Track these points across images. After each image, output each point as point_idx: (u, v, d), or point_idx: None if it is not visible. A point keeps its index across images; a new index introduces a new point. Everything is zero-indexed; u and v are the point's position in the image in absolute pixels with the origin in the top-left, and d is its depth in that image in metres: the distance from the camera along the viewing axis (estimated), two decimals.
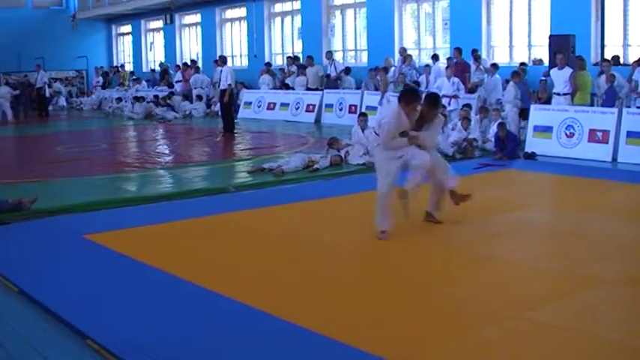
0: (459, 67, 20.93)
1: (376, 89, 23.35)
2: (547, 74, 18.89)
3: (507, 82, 20.03)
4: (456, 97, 19.45)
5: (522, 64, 21.04)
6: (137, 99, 30.75)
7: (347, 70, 26.68)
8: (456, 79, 19.80)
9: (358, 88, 25.47)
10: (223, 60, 23.31)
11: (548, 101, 18.11)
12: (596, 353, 5.50)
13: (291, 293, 6.94)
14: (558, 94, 17.45)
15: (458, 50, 21.73)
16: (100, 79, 39.13)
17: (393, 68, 23.81)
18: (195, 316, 6.34)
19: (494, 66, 21.32)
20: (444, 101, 18.98)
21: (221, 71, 22.38)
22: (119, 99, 33.05)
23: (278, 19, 33.27)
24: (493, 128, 16.62)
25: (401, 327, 6.04)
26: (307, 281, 7.34)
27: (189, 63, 33.41)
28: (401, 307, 6.52)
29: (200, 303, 6.69)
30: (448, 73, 19.94)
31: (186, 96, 30.97)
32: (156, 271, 7.67)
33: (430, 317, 6.32)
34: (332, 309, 6.49)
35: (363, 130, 16.09)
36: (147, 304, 6.67)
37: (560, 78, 17.42)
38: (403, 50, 24.82)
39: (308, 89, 27.02)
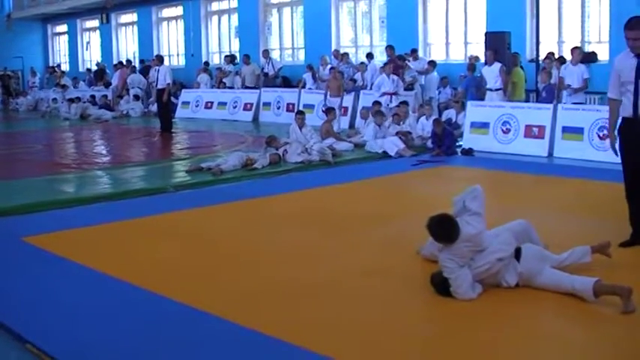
0: (393, 65, 21.09)
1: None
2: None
3: (443, 79, 20.31)
4: (396, 94, 19.55)
5: (473, 57, 21.16)
6: (72, 100, 30.42)
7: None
8: (396, 77, 19.90)
9: (295, 86, 25.55)
10: (160, 59, 23.16)
11: (483, 98, 18.35)
12: None
13: (233, 293, 6.94)
14: (491, 90, 17.74)
15: (390, 48, 21.92)
16: (37, 79, 38.71)
17: (328, 66, 23.89)
18: (135, 318, 6.32)
19: (432, 64, 21.53)
20: (385, 99, 19.19)
21: (158, 70, 22.21)
22: (55, 99, 32.67)
23: (215, 18, 33.23)
24: (423, 123, 16.93)
25: (346, 325, 6.07)
26: (248, 280, 7.33)
27: (124, 62, 33.22)
28: (344, 306, 6.55)
29: (140, 304, 6.67)
30: (387, 70, 19.99)
31: (121, 96, 30.79)
32: (95, 272, 7.63)
33: (376, 316, 6.33)
34: (274, 308, 6.50)
35: (300, 129, 16.19)
36: (86, 306, 6.64)
37: (491, 74, 17.78)
38: (337, 52, 24.98)
39: (246, 87, 27.02)
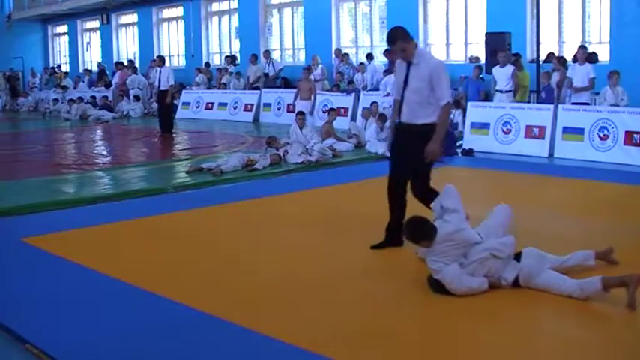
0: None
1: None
2: (487, 72, 19.18)
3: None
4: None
5: (474, 58, 21.15)
6: (73, 100, 30.41)
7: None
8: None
9: (295, 87, 25.55)
10: (162, 60, 23.08)
11: (485, 98, 18.33)
12: None
13: (233, 293, 6.93)
14: (501, 92, 17.70)
15: (388, 52, 21.96)
16: (37, 80, 38.72)
17: (320, 66, 23.85)
18: (135, 319, 6.31)
19: None
20: (389, 99, 19.20)
21: (160, 72, 22.13)
22: (56, 100, 32.66)
23: (215, 19, 33.23)
24: None
25: (346, 325, 6.05)
26: (248, 281, 7.33)
27: (125, 63, 33.20)
28: (344, 306, 6.54)
29: (140, 305, 6.66)
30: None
31: (122, 96, 30.77)
32: (95, 273, 7.62)
33: (376, 316, 6.33)
34: (274, 309, 6.49)
35: (301, 129, 16.18)
36: (87, 306, 6.64)
37: (503, 75, 17.70)
38: (338, 52, 25.07)
39: (252, 87, 27.00)
